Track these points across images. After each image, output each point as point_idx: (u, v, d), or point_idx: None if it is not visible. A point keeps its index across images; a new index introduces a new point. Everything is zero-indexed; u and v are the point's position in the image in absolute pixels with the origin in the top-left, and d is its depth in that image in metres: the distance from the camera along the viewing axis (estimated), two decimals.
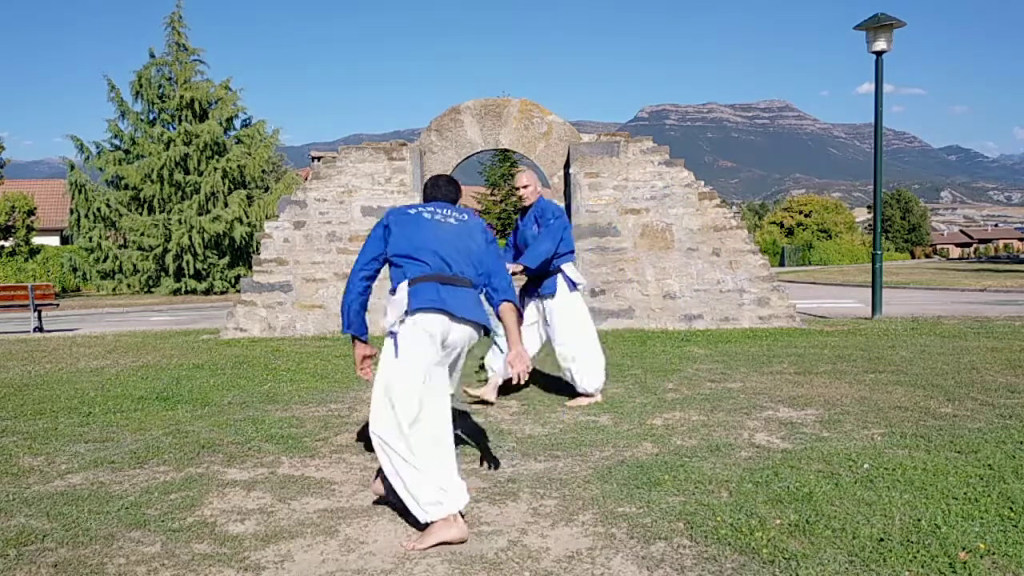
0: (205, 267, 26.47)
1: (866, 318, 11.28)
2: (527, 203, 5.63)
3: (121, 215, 26.51)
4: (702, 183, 10.75)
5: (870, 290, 11.77)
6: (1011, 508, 3.15)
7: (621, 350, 8.29)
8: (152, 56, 27.48)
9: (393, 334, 3.13)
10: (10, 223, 27.04)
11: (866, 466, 3.76)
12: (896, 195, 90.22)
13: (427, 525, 3.03)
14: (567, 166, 11.01)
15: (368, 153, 10.97)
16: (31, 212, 27.54)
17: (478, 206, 44.64)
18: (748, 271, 10.55)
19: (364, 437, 4.70)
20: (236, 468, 4.10)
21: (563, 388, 6.12)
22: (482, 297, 3.34)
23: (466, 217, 3.41)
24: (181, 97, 26.55)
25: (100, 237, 26.59)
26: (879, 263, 11.40)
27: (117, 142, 27.66)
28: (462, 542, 2.98)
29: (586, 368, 5.49)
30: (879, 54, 11.18)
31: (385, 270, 3.31)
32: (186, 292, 26.19)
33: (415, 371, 3.06)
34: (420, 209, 3.38)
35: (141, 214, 26.78)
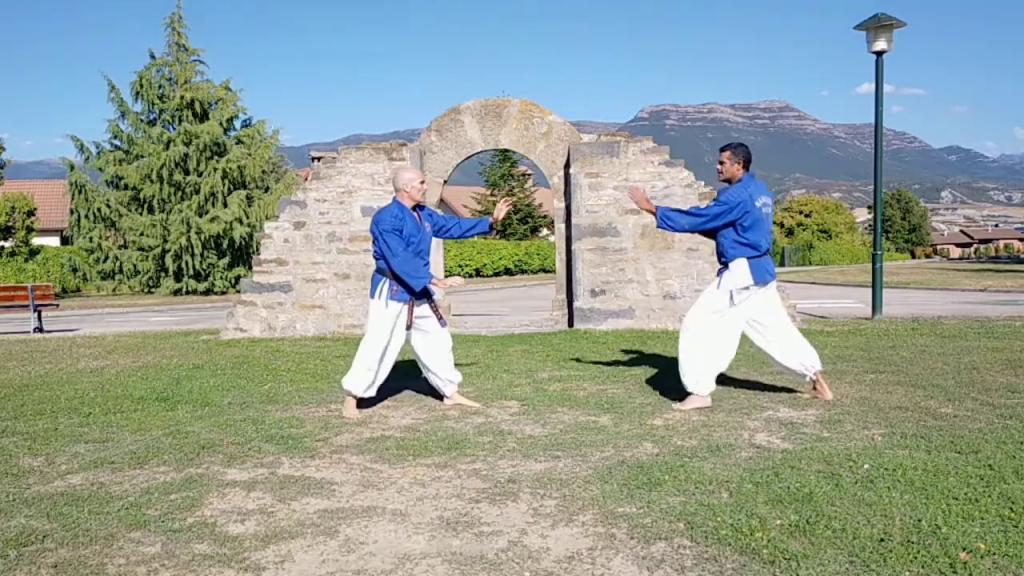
0: (205, 267, 26.46)
1: (866, 318, 11.28)
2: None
3: (121, 215, 26.49)
4: (702, 183, 10.74)
5: (870, 290, 11.77)
6: (1011, 508, 3.15)
7: (621, 350, 8.29)
8: (152, 56, 27.46)
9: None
10: (10, 223, 27.01)
11: (866, 466, 3.76)
12: (896, 195, 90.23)
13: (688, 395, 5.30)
14: (567, 166, 11.01)
15: (368, 153, 10.97)
16: (31, 212, 27.51)
17: (478, 206, 44.58)
18: None
19: (362, 438, 4.71)
20: (236, 468, 4.10)
21: (562, 390, 6.12)
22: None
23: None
24: (181, 97, 26.53)
25: (100, 237, 26.57)
26: (879, 263, 11.39)
27: (117, 142, 27.61)
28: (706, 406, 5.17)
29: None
30: (879, 54, 11.18)
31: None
32: (186, 292, 26.18)
33: None
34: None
35: (141, 214, 26.76)
